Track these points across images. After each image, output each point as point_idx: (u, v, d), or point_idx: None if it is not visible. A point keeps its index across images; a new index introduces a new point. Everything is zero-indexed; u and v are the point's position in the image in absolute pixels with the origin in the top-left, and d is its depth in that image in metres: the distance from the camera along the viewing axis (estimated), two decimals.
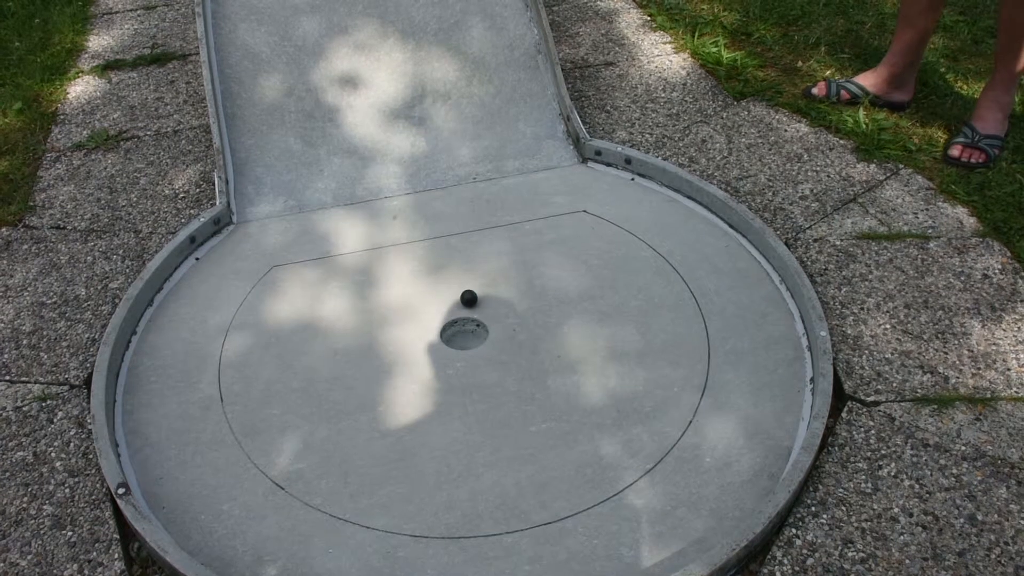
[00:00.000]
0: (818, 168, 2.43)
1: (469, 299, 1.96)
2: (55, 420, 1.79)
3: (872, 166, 2.43)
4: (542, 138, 2.42)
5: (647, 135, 2.58)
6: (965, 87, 2.77)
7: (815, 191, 2.34)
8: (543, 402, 1.73)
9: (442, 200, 2.27)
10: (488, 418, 1.70)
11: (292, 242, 2.18)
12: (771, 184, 2.37)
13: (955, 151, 2.42)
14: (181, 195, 2.45)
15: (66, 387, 1.87)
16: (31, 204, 2.47)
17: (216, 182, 2.31)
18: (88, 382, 1.86)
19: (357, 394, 1.77)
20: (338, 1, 2.55)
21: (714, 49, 2.97)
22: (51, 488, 1.65)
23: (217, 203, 2.27)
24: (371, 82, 2.45)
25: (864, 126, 2.58)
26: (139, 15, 3.48)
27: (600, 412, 1.70)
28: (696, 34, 3.09)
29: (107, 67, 3.11)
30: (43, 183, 2.56)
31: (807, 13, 3.26)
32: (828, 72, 2.87)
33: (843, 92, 2.69)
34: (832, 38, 3.09)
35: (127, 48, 3.23)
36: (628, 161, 2.33)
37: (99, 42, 3.29)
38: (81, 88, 3.00)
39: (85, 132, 2.77)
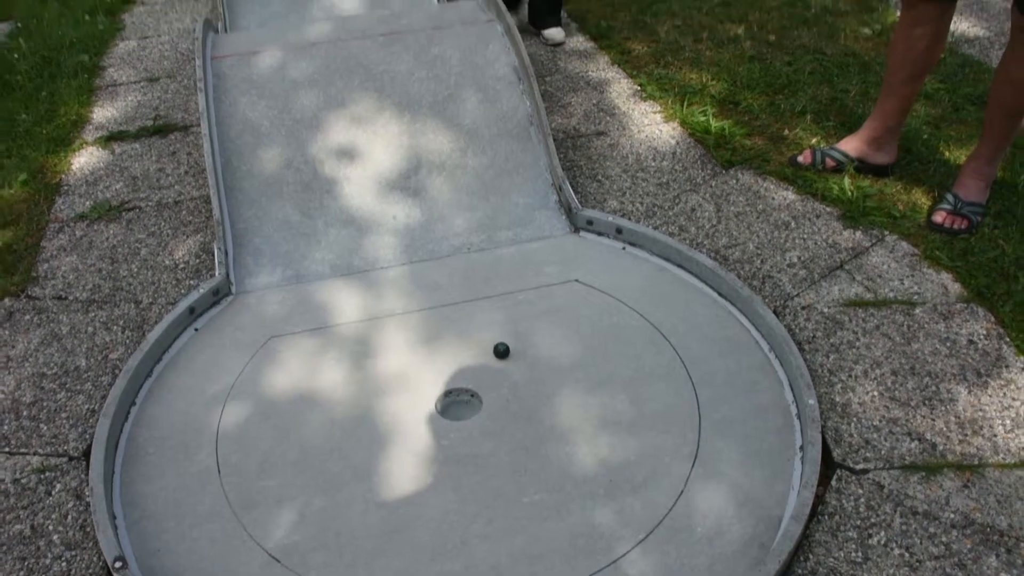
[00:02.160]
0: (805, 236, 2.48)
1: (503, 351, 2.02)
2: (53, 492, 1.81)
3: (858, 233, 2.48)
4: (535, 208, 2.47)
5: (638, 204, 2.64)
6: (948, 153, 2.84)
7: (803, 258, 2.38)
8: (536, 472, 1.75)
9: (437, 270, 2.32)
10: (482, 488, 1.72)
11: (290, 313, 2.22)
12: (759, 252, 2.42)
13: (939, 218, 2.47)
14: (181, 265, 2.50)
15: (65, 459, 1.89)
16: (34, 274, 2.51)
17: (216, 253, 2.36)
18: (87, 454, 1.88)
19: (353, 465, 1.79)
20: (336, 75, 2.63)
21: (702, 118, 3.05)
22: (48, 562, 1.66)
23: (216, 274, 2.32)
24: (368, 154, 2.51)
25: (849, 193, 2.65)
26: (142, 87, 3.57)
27: (592, 482, 1.72)
28: (685, 103, 3.17)
29: (111, 138, 3.19)
30: (46, 253, 2.60)
31: (793, 82, 3.35)
32: (813, 140, 2.95)
33: (828, 160, 2.76)
34: (817, 106, 3.17)
35: (130, 119, 3.31)
36: (619, 231, 2.38)
37: (103, 114, 3.37)
38: (85, 159, 3.07)
39: (88, 203, 2.82)
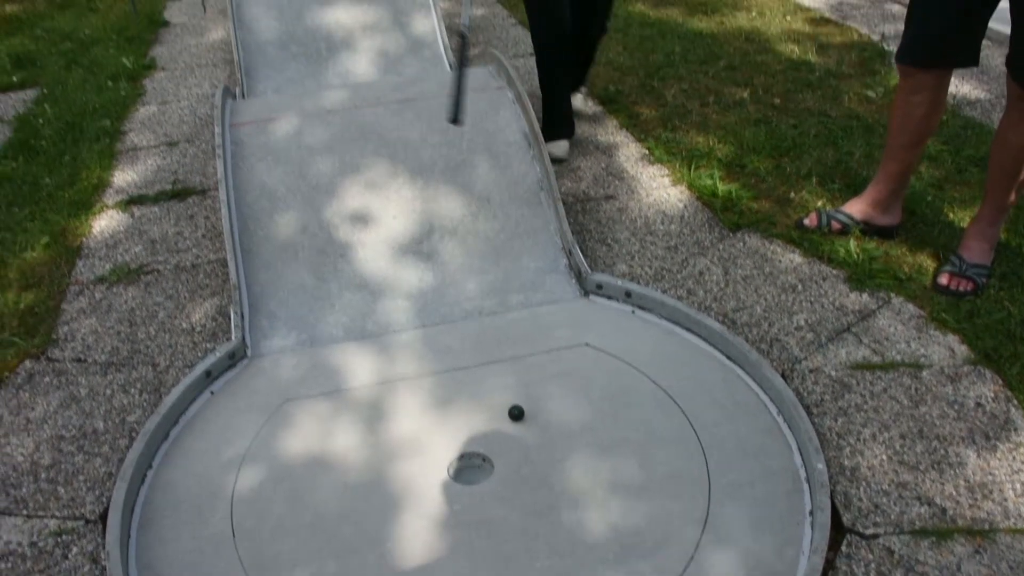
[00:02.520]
0: (812, 299, 2.51)
1: (517, 414, 2.06)
2: (70, 556, 1.83)
3: (865, 295, 2.51)
4: (545, 272, 2.52)
5: (647, 267, 2.68)
6: (952, 214, 2.88)
7: (810, 321, 2.41)
8: (548, 537, 1.76)
9: (449, 334, 2.36)
10: (494, 554, 1.74)
11: (304, 376, 2.25)
12: (767, 315, 2.45)
13: (944, 280, 2.50)
14: (198, 328, 2.54)
15: (82, 522, 1.91)
16: (54, 337, 2.56)
17: (232, 316, 2.40)
18: (104, 517, 1.90)
19: (365, 530, 1.81)
20: (351, 142, 2.70)
21: (709, 182, 3.10)
22: None
23: (233, 337, 2.36)
24: (381, 219, 2.57)
25: (855, 256, 2.68)
26: (162, 151, 3.66)
27: (603, 547, 1.74)
28: (692, 166, 3.23)
29: (130, 202, 3.26)
30: (66, 316, 2.65)
31: (798, 145, 3.41)
32: (819, 203, 2.99)
33: (833, 222, 2.80)
34: (823, 169, 3.22)
35: (150, 183, 3.39)
36: (628, 294, 2.42)
37: (124, 178, 3.46)
38: (105, 222, 3.14)
39: (108, 266, 2.88)
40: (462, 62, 2.35)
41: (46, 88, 4.42)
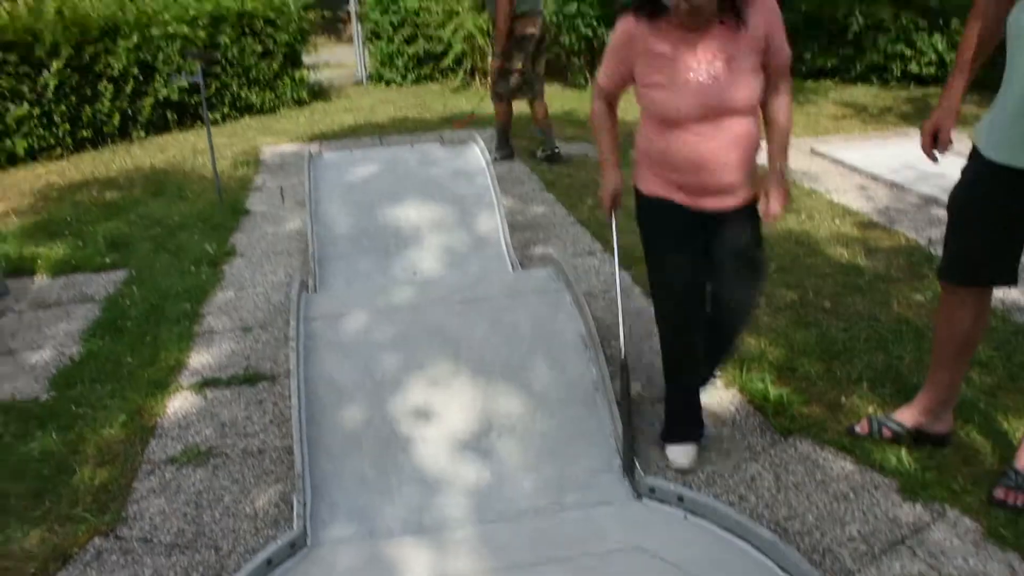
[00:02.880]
0: (864, 508, 2.52)
1: None
2: None
3: (918, 506, 2.52)
4: (599, 472, 2.58)
5: (699, 472, 2.73)
6: (1006, 423, 2.90)
7: (863, 532, 2.42)
8: None
9: (504, 532, 2.41)
10: None
11: (361, 569, 2.31)
12: (819, 524, 2.46)
13: (1000, 494, 2.50)
14: (261, 514, 2.64)
15: None
16: (124, 515, 2.68)
17: (295, 505, 2.49)
18: None
19: None
20: (417, 339, 2.87)
21: (761, 385, 3.18)
22: None
23: (294, 526, 2.44)
24: (442, 415, 2.69)
25: (908, 465, 2.70)
26: (237, 335, 3.88)
27: None
28: (744, 369, 3.32)
29: (204, 384, 3.44)
30: (137, 494, 2.77)
31: (848, 348, 3.49)
32: (870, 408, 3.04)
33: (884, 429, 2.84)
34: (873, 374, 3.29)
35: (223, 367, 3.58)
36: (681, 499, 2.46)
37: (199, 360, 3.66)
38: (180, 403, 3.31)
39: (179, 447, 3.02)
40: (624, 393, 2.46)
41: (135, 270, 4.75)
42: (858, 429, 2.88)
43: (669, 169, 2.55)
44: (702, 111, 2.43)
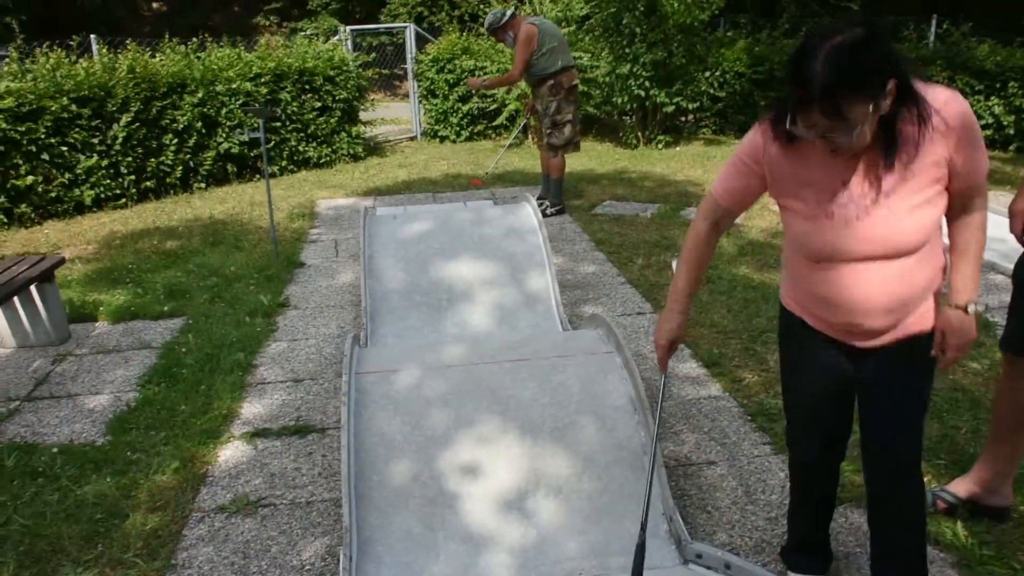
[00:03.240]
0: None
1: None
2: None
3: None
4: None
5: (747, 538, 2.69)
6: None
7: None
8: None
9: None
10: None
11: None
12: None
13: None
14: (307, 567, 2.66)
15: None
16: (173, 562, 2.71)
17: (341, 559, 2.50)
18: None
19: None
20: (467, 397, 2.89)
21: None
22: None
23: None
24: (490, 473, 2.69)
25: (964, 539, 2.63)
26: (288, 387, 3.94)
27: None
28: None
29: (255, 434, 3.50)
30: (186, 542, 2.81)
31: None
32: (925, 479, 2.97)
33: (939, 501, 2.77)
34: (927, 443, 3.21)
35: (274, 417, 3.64)
36: (728, 566, 2.42)
37: (251, 410, 3.72)
38: (231, 452, 3.36)
39: (229, 495, 3.06)
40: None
41: (191, 319, 4.87)
42: None
43: (812, 302, 2.11)
44: (852, 253, 1.96)
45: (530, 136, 11.32)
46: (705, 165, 9.50)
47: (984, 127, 10.03)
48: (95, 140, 7.67)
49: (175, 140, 8.38)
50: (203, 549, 2.78)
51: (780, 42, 11.73)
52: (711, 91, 11.50)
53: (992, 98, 9.92)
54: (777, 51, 11.37)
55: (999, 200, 7.09)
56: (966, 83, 9.99)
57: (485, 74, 11.37)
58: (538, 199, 7.03)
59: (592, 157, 10.17)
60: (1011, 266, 2.69)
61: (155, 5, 22.52)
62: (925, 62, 10.26)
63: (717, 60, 11.39)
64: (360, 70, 10.48)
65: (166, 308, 5.04)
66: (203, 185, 8.79)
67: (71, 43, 8.50)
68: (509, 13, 6.69)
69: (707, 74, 11.32)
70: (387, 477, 2.70)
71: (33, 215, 7.40)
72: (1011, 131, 9.85)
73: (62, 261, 4.61)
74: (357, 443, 2.78)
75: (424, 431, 2.79)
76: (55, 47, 8.16)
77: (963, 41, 10.46)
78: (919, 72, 1.89)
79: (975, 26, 10.71)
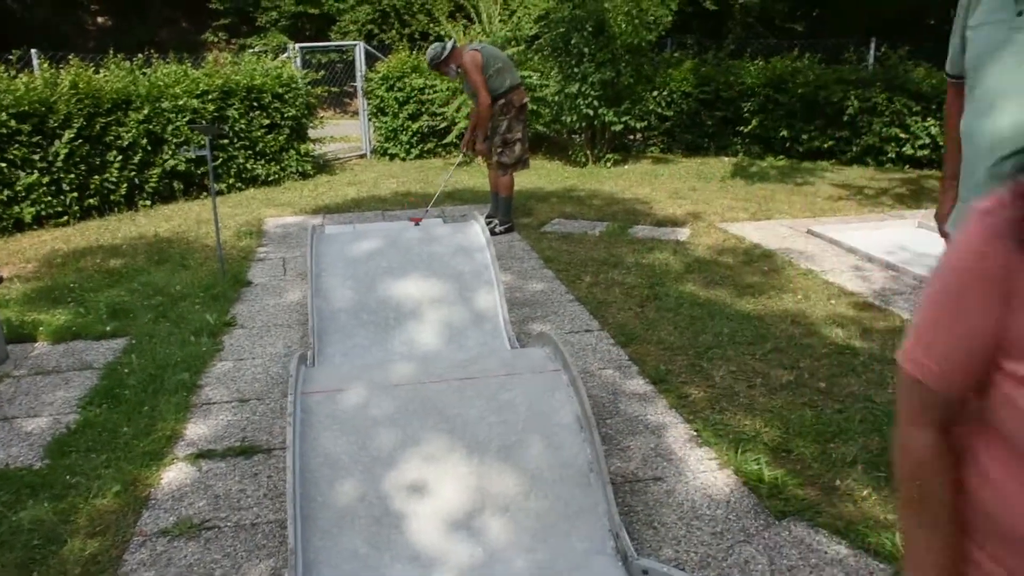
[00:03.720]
0: None
1: None
2: None
3: None
4: (592, 554, 2.57)
5: (692, 553, 2.72)
6: None
7: None
8: None
9: None
10: None
11: None
12: None
13: None
14: None
15: None
16: None
17: None
18: None
19: None
20: (414, 416, 2.88)
21: (756, 467, 3.18)
22: None
23: None
24: (436, 492, 2.69)
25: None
26: (234, 407, 3.89)
27: None
28: (739, 450, 3.33)
29: (199, 455, 3.44)
30: (127, 567, 2.76)
31: (844, 430, 3.50)
32: (864, 492, 3.03)
33: None
34: (868, 456, 3.29)
35: (219, 438, 3.59)
36: None
37: (196, 431, 3.66)
38: (174, 474, 3.30)
39: (172, 519, 3.01)
40: None
41: (135, 339, 4.78)
42: None
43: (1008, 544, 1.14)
44: None
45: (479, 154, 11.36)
46: (653, 183, 9.62)
47: (921, 147, 10.33)
48: (36, 156, 7.51)
49: (119, 157, 8.25)
50: (144, 574, 2.72)
51: (726, 63, 11.97)
52: (659, 110, 11.67)
53: (928, 119, 10.22)
54: (723, 71, 11.59)
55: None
56: (903, 104, 10.28)
57: (435, 93, 11.40)
58: (487, 217, 7.06)
59: (541, 175, 10.24)
60: None
61: (100, 20, 22.17)
62: (865, 84, 10.54)
63: (664, 80, 11.57)
64: (309, 87, 10.44)
65: (109, 328, 4.95)
66: (148, 203, 8.65)
67: (10, 57, 8.33)
68: (450, 45, 6.73)
69: (655, 94, 11.49)
70: (332, 498, 2.68)
71: None
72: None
73: (0, 280, 4.50)
74: (303, 464, 2.75)
75: (370, 451, 2.78)
76: None
77: (900, 64, 10.77)
78: None
79: (911, 50, 11.04)
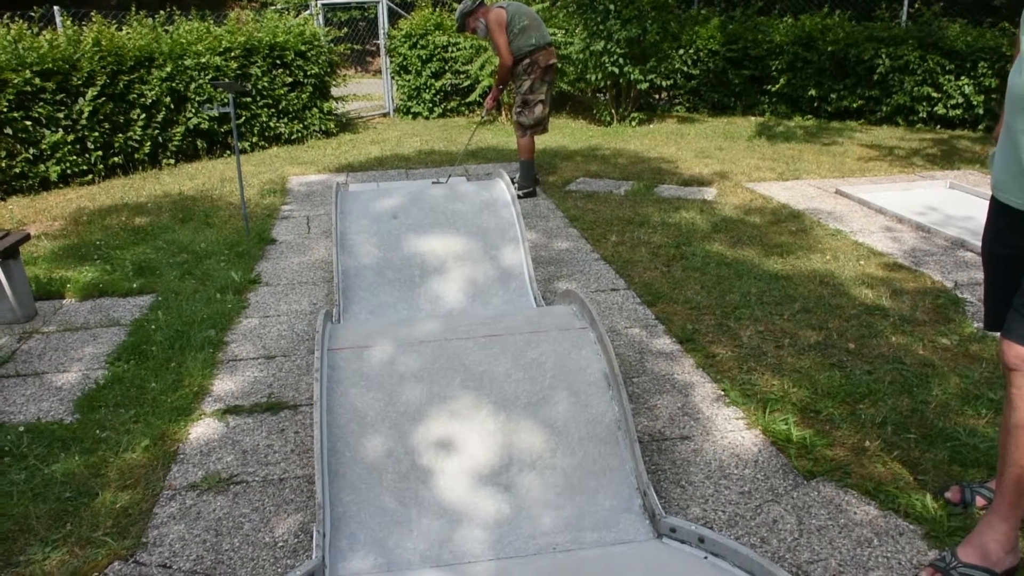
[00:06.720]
0: (888, 554, 2.49)
1: None
2: None
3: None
4: (619, 511, 2.57)
5: (720, 512, 2.71)
6: None
7: None
8: None
9: (522, 568, 2.39)
10: None
11: None
12: (842, 569, 2.43)
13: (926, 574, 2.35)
14: (280, 543, 2.64)
15: None
16: (144, 540, 2.68)
17: (314, 535, 2.49)
18: None
19: None
20: (440, 373, 2.87)
21: (784, 427, 3.16)
22: None
23: (313, 556, 2.44)
24: (464, 449, 2.68)
25: (933, 512, 2.66)
26: (260, 364, 3.90)
27: None
28: (767, 410, 3.30)
29: (227, 411, 3.46)
30: (157, 520, 2.78)
31: (873, 391, 3.46)
32: (894, 453, 3.00)
33: (979, 498, 2.71)
34: (898, 417, 3.25)
35: (246, 394, 3.60)
36: (701, 540, 2.44)
37: (223, 387, 3.68)
38: (202, 430, 3.33)
39: (200, 473, 3.03)
40: None
41: (161, 296, 4.80)
42: (948, 496, 2.73)
43: None
44: None
45: (503, 113, 11.26)
46: (679, 143, 9.50)
47: (954, 107, 10.12)
48: (60, 114, 7.52)
49: (143, 115, 8.25)
50: (174, 527, 2.75)
51: (754, 20, 11.74)
52: (685, 68, 11.50)
53: (963, 78, 9.99)
54: (751, 29, 11.37)
55: (968, 179, 7.16)
56: (937, 63, 10.05)
57: (458, 51, 11.28)
58: (514, 180, 6.99)
59: (565, 134, 10.14)
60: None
61: None
62: (897, 41, 10.31)
63: (691, 38, 11.37)
64: (332, 45, 10.36)
65: (135, 285, 4.97)
66: (172, 161, 8.66)
67: (32, 15, 8.31)
68: (478, 1, 6.63)
69: (681, 52, 11.31)
70: (360, 453, 2.68)
71: None
72: (980, 111, 9.93)
73: (27, 237, 4.52)
74: (330, 419, 2.75)
75: (397, 407, 2.77)
76: (16, 18, 7.97)
77: (935, 21, 10.51)
78: None
79: (946, 6, 10.77)
